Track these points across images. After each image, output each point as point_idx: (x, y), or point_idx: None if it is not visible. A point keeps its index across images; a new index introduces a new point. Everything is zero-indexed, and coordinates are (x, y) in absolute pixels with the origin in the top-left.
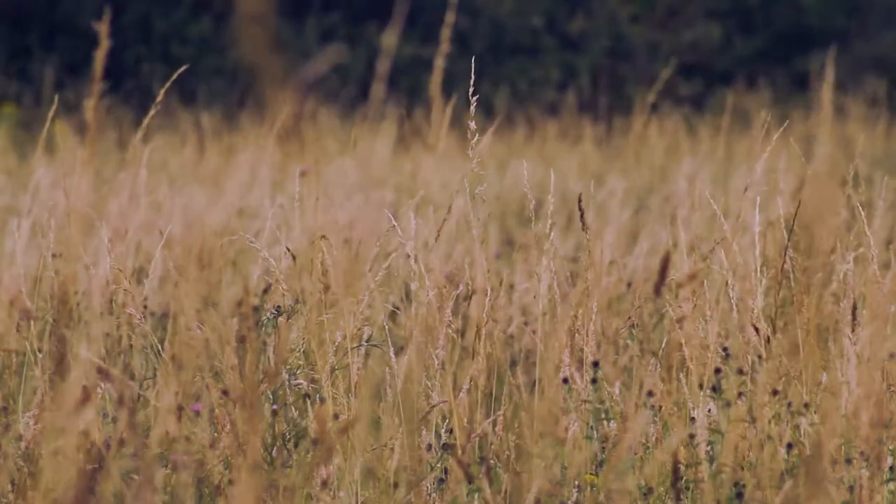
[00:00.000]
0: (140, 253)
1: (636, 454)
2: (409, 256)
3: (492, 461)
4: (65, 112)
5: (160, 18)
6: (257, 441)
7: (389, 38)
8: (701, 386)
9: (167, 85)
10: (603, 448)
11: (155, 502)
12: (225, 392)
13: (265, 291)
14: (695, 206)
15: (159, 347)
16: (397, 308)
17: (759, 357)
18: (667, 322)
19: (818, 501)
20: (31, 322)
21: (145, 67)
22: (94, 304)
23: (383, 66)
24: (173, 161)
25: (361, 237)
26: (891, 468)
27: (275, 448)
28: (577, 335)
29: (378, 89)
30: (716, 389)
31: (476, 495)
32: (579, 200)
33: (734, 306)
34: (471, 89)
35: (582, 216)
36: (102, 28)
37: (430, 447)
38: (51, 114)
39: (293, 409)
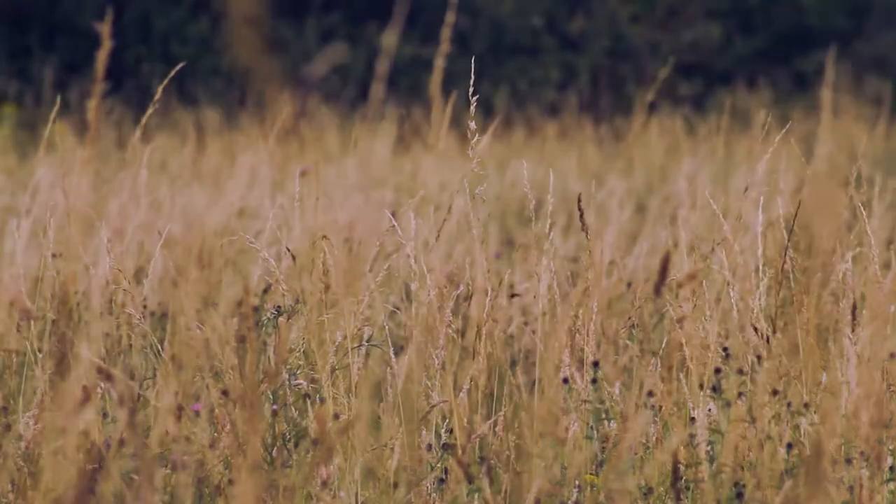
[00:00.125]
0: (140, 253)
1: (636, 454)
2: (409, 256)
3: (492, 461)
4: (64, 112)
5: (160, 18)
6: (257, 441)
7: (389, 39)
8: (701, 386)
9: (164, 82)
10: (603, 448)
11: (155, 502)
12: (225, 392)
13: (265, 291)
14: (695, 206)
15: (159, 347)
16: (397, 308)
17: (759, 357)
18: (667, 322)
19: (818, 501)
20: (32, 322)
21: (145, 67)
22: (94, 304)
23: (382, 67)
24: (173, 161)
25: (361, 237)
26: (891, 468)
27: (275, 448)
28: (577, 335)
29: (378, 89)
30: (716, 389)
31: (476, 495)
32: (578, 200)
33: (734, 306)
34: (471, 89)
35: (581, 216)
36: (104, 28)
37: (430, 447)
38: (53, 114)
39: (293, 409)
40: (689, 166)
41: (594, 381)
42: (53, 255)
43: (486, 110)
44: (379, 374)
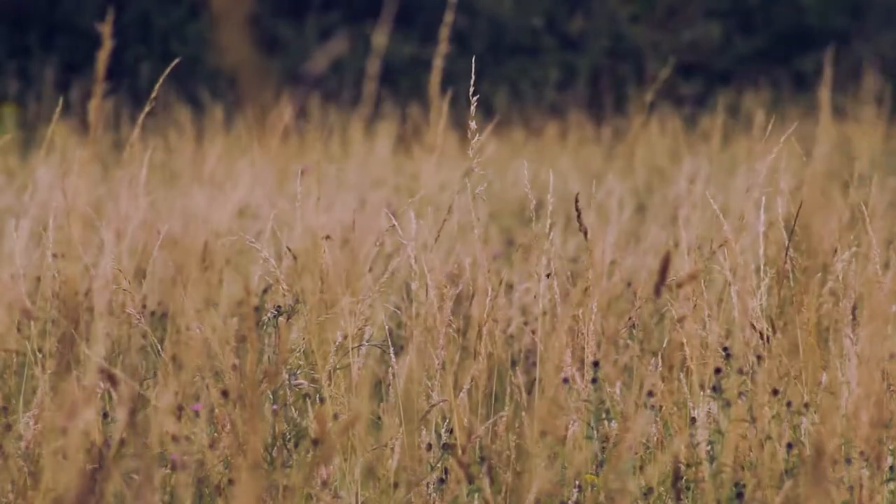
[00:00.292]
0: (140, 253)
1: (637, 454)
2: (409, 256)
3: (492, 461)
4: (64, 112)
5: (159, 17)
6: (257, 441)
7: (379, 38)
8: (701, 386)
9: (161, 79)
10: (603, 448)
11: (155, 502)
12: (225, 392)
13: (265, 291)
14: (695, 206)
15: (159, 347)
16: (398, 308)
17: (759, 357)
18: (667, 322)
19: (818, 501)
20: (32, 322)
21: (145, 67)
22: (98, 304)
23: (373, 66)
24: (173, 161)
25: (361, 237)
26: (891, 468)
27: (275, 448)
28: (577, 335)
29: (370, 88)
30: (716, 389)
31: (476, 495)
32: (576, 201)
33: (735, 306)
34: (471, 89)
35: (579, 217)
36: (105, 28)
37: (430, 447)
38: (55, 115)
39: (293, 409)
40: (689, 166)
41: (594, 380)
42: (54, 255)
43: (486, 110)
44: (379, 374)
